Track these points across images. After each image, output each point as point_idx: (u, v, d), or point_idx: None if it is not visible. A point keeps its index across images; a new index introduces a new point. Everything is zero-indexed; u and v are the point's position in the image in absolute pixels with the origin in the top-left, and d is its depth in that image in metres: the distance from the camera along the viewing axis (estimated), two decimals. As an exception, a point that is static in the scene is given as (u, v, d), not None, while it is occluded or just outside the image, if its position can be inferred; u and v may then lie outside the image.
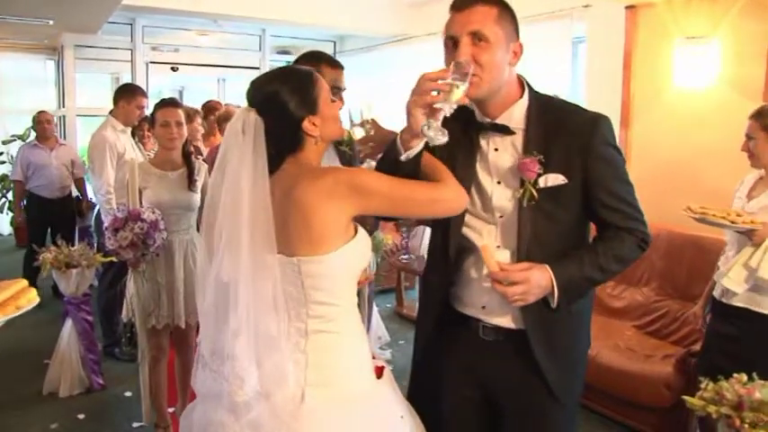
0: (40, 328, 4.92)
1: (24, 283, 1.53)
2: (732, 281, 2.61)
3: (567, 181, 1.69)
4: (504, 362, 1.82)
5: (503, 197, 1.75)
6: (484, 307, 1.82)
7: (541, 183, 1.68)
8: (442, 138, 1.56)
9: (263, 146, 1.54)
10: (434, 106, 1.56)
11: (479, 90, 1.65)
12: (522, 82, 1.78)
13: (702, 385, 1.97)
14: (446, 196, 1.67)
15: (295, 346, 1.57)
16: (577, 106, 1.84)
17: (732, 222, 2.54)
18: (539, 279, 1.65)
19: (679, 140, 4.20)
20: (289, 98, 1.59)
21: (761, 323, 2.60)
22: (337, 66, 2.37)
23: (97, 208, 4.91)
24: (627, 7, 4.44)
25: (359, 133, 2.07)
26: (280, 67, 1.72)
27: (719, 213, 2.57)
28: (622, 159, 1.77)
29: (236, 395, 1.51)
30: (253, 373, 1.51)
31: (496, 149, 1.76)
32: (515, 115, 1.74)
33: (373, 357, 1.77)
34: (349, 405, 1.58)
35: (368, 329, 4.56)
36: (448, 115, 1.57)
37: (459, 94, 1.55)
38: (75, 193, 6.18)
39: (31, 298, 1.52)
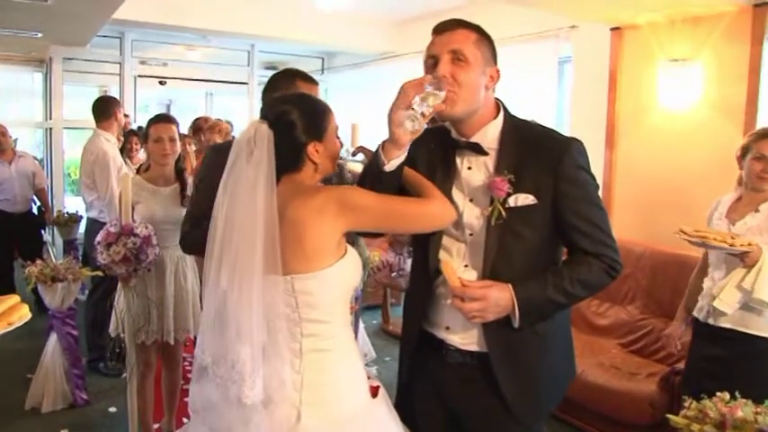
0: (23, 341, 4.85)
1: (17, 298, 1.53)
2: (724, 303, 2.60)
3: (536, 201, 1.71)
4: (468, 385, 1.83)
5: (472, 215, 1.78)
6: (448, 327, 1.84)
7: (511, 202, 1.71)
8: (417, 125, 1.64)
9: (273, 158, 1.60)
10: (413, 107, 1.63)
11: (455, 107, 1.70)
12: (498, 105, 1.83)
13: (686, 404, 2.00)
14: (433, 210, 1.71)
15: (290, 366, 1.59)
16: (552, 130, 1.87)
17: (730, 245, 2.53)
18: (497, 297, 1.66)
19: (663, 160, 4.26)
20: (301, 119, 1.67)
21: (750, 344, 2.62)
22: (311, 82, 2.39)
23: (84, 221, 4.88)
24: (612, 29, 4.52)
25: (356, 167, 2.09)
26: (299, 92, 1.87)
27: (719, 237, 2.56)
28: (595, 184, 1.78)
29: (245, 397, 1.52)
30: (259, 377, 1.54)
31: (470, 168, 1.80)
32: (489, 135, 1.78)
33: (368, 378, 1.78)
34: (345, 425, 1.60)
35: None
36: (426, 114, 1.63)
37: (436, 101, 1.64)
38: (37, 203, 6.03)
39: (23, 314, 1.52)
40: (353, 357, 1.71)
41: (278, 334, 1.57)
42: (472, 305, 1.65)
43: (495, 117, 1.80)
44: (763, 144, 2.70)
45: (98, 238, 3.05)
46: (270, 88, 2.38)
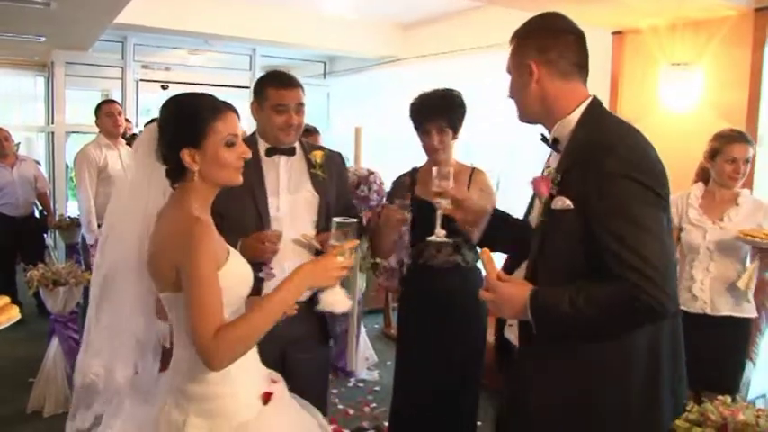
0: (24, 345, 4.87)
1: (6, 299, 1.54)
2: (749, 289, 2.96)
3: (572, 207, 1.57)
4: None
5: (536, 211, 1.77)
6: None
7: (553, 205, 1.62)
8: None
9: (158, 161, 1.66)
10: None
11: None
12: (582, 100, 1.68)
13: (687, 407, 1.99)
14: (203, 340, 1.56)
15: (178, 373, 1.64)
16: (619, 127, 1.66)
17: None
18: (511, 294, 1.60)
19: (665, 163, 4.24)
20: (173, 122, 1.65)
21: (744, 326, 3.05)
22: (283, 85, 2.34)
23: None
24: (614, 33, 4.53)
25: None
26: (186, 93, 1.72)
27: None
28: (642, 196, 1.51)
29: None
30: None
31: (548, 166, 1.77)
32: (564, 132, 1.68)
33: (274, 382, 1.77)
34: None
35: (356, 350, 4.57)
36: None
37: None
38: (39, 207, 6.05)
39: (12, 315, 1.53)
40: (242, 367, 1.62)
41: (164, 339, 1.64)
42: (485, 294, 1.64)
43: (573, 112, 1.66)
44: (732, 148, 2.99)
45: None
46: (253, 93, 2.43)
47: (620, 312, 1.51)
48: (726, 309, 3.01)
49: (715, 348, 2.92)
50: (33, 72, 8.58)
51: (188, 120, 1.62)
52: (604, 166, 1.52)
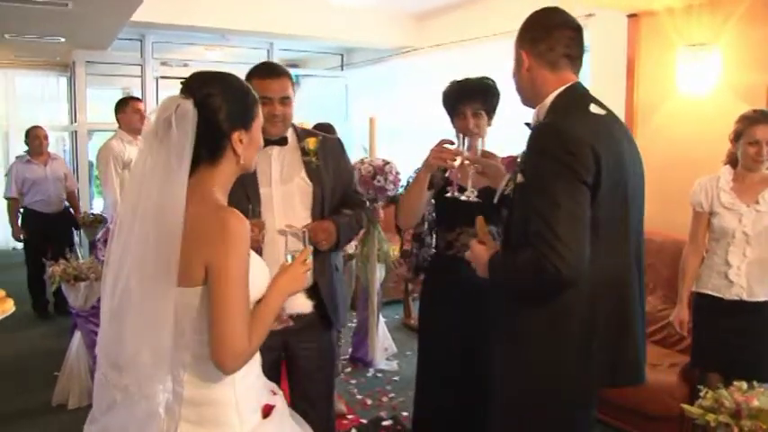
0: (51, 340, 4.99)
1: (1, 293, 1.57)
2: None
3: (523, 181, 1.75)
4: None
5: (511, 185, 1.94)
6: None
7: (517, 179, 1.79)
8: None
9: (193, 142, 1.46)
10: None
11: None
12: (554, 85, 1.82)
13: (702, 393, 1.98)
14: (231, 340, 1.46)
15: (174, 378, 1.49)
16: (569, 109, 1.79)
17: None
18: (480, 255, 1.88)
19: (683, 147, 4.19)
20: (229, 102, 1.52)
21: None
22: (266, 75, 2.30)
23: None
24: (629, 16, 4.45)
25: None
26: (225, 72, 1.61)
27: None
28: (556, 171, 1.64)
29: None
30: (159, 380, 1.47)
31: None
32: (539, 115, 1.85)
33: (274, 394, 1.71)
34: None
35: (375, 340, 4.58)
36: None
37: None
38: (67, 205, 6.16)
39: (6, 308, 1.56)
40: (242, 377, 1.54)
41: (165, 344, 1.44)
42: (467, 255, 1.95)
43: (548, 96, 1.82)
44: (755, 129, 2.88)
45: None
46: None
47: (530, 277, 1.67)
48: (764, 294, 2.90)
49: (752, 335, 2.88)
50: (56, 72, 8.75)
51: (243, 98, 1.57)
52: (532, 144, 1.73)
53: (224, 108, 1.51)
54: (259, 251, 1.87)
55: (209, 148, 1.51)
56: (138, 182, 1.49)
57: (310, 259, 1.73)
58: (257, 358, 1.63)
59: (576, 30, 1.84)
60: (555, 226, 1.59)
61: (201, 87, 1.51)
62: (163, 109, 1.48)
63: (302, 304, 2.18)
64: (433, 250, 2.89)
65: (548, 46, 1.80)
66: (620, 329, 1.76)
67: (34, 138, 5.89)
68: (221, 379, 1.50)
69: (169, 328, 1.42)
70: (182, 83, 1.56)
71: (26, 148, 5.99)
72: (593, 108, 1.78)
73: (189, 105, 1.46)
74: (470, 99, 2.61)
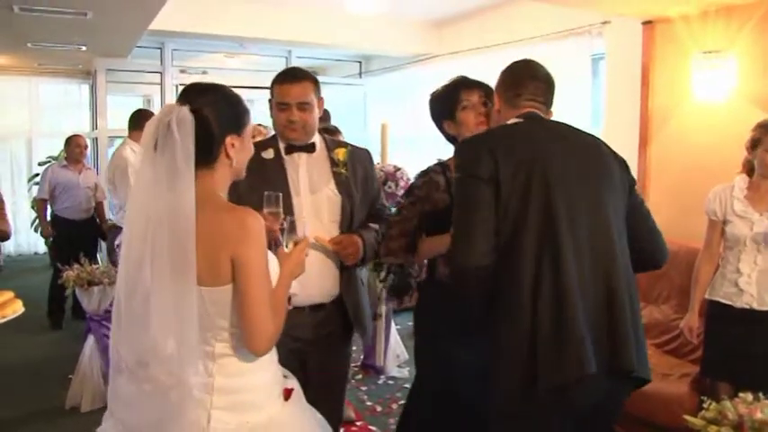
0: (66, 343, 5.05)
1: (10, 294, 1.60)
2: None
3: None
4: None
5: None
6: None
7: None
8: None
9: (193, 145, 1.54)
10: None
11: None
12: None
13: (705, 405, 1.95)
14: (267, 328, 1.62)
15: (204, 368, 1.59)
16: (490, 130, 2.17)
17: None
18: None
19: (698, 155, 4.14)
20: (222, 108, 1.64)
21: None
22: (285, 80, 2.31)
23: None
24: (644, 23, 4.42)
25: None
26: (217, 83, 1.73)
27: None
28: (459, 181, 1.95)
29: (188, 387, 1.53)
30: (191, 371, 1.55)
31: None
32: None
33: (285, 377, 1.80)
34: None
35: (386, 348, 4.58)
36: None
37: None
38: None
39: (16, 308, 1.59)
40: (266, 363, 1.68)
41: (191, 335, 1.53)
42: None
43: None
44: None
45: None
46: None
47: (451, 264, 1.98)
48: None
49: (762, 344, 2.84)
50: (79, 80, 8.90)
51: (236, 106, 1.68)
52: None
53: (217, 113, 1.61)
54: (277, 241, 1.93)
55: (204, 151, 1.59)
56: (144, 187, 1.58)
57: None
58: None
59: (545, 81, 2.09)
60: (456, 223, 1.90)
61: (197, 96, 1.63)
62: (162, 115, 1.57)
63: (321, 295, 2.31)
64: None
65: (515, 93, 2.06)
66: (559, 318, 1.82)
67: (75, 146, 6.09)
68: (251, 367, 1.64)
69: (194, 324, 1.52)
70: (178, 93, 1.68)
71: (49, 154, 6.12)
72: (512, 120, 2.04)
73: (186, 111, 1.56)
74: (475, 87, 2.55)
